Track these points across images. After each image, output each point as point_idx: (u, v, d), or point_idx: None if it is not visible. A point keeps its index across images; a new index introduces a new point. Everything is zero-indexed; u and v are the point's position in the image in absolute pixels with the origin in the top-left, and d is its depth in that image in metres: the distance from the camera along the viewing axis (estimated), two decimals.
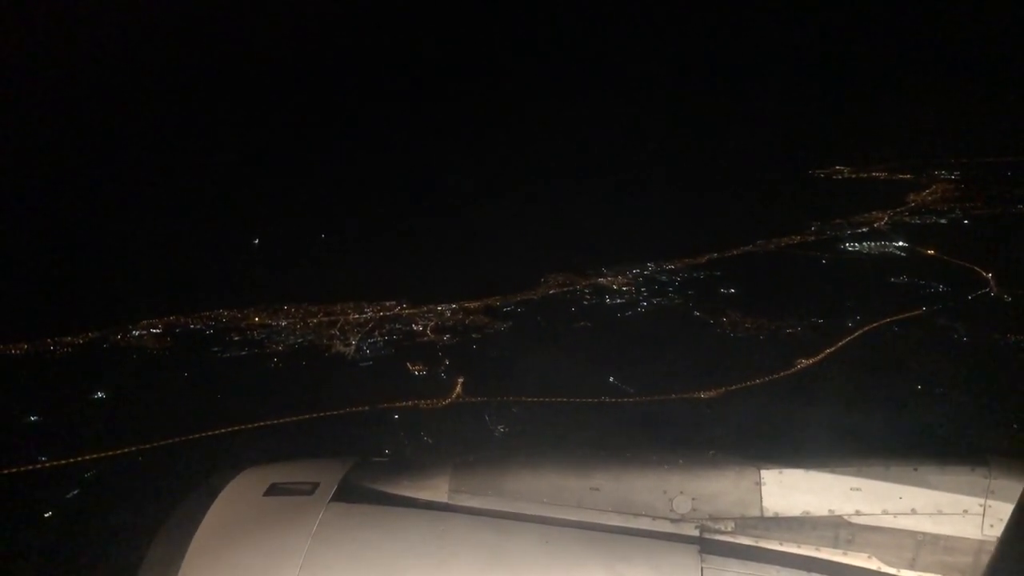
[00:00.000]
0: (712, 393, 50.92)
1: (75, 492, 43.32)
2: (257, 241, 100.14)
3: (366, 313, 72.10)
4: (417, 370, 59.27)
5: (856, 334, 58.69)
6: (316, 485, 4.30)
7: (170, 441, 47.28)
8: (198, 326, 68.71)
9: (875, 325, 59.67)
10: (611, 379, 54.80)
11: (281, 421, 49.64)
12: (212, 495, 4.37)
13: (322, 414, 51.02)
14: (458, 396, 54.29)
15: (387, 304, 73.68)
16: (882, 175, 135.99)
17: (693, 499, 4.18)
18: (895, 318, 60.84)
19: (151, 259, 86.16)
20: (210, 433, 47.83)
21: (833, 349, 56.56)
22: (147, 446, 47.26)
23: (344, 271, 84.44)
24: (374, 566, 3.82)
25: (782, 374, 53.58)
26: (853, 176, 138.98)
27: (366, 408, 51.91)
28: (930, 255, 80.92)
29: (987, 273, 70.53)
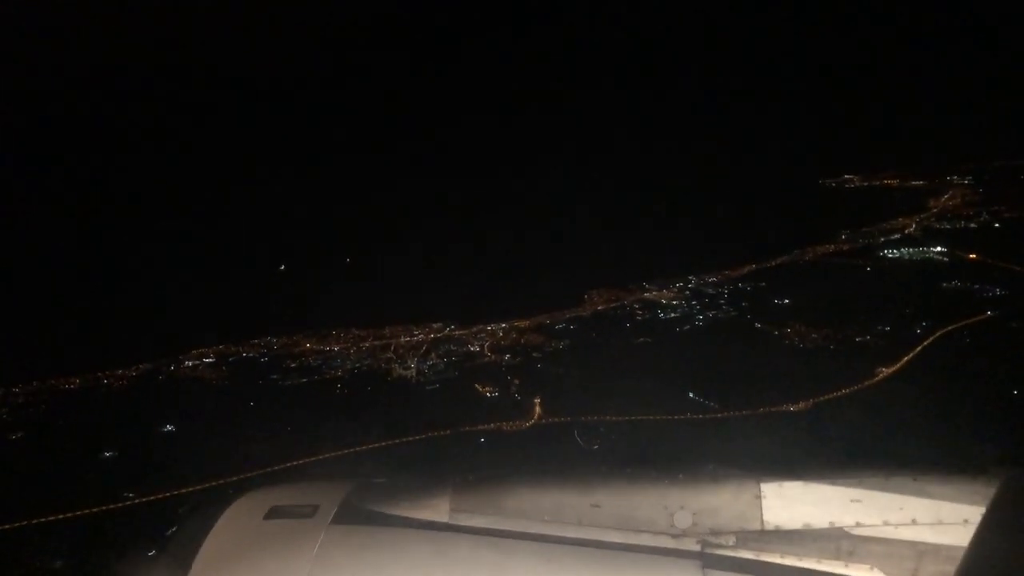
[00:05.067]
0: (801, 406, 50.31)
1: (175, 529, 41.86)
2: (283, 267, 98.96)
3: (416, 336, 71.09)
4: (488, 391, 58.34)
5: (928, 341, 58.26)
6: (316, 507, 4.33)
7: (260, 472, 45.84)
8: (251, 354, 67.51)
9: (946, 331, 59.28)
10: (690, 395, 54.06)
11: (366, 447, 48.57)
12: (211, 520, 4.39)
13: (405, 439, 49.99)
14: (539, 417, 53.37)
15: (435, 326, 72.69)
16: (894, 182, 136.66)
17: (694, 514, 4.20)
18: (965, 323, 60.48)
19: (185, 287, 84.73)
20: (296, 463, 46.55)
21: (911, 356, 56.14)
22: (235, 478, 45.87)
23: (380, 293, 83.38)
24: None
25: (867, 383, 53.07)
26: (865, 184, 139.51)
27: (447, 432, 50.92)
28: (973, 259, 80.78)
29: None
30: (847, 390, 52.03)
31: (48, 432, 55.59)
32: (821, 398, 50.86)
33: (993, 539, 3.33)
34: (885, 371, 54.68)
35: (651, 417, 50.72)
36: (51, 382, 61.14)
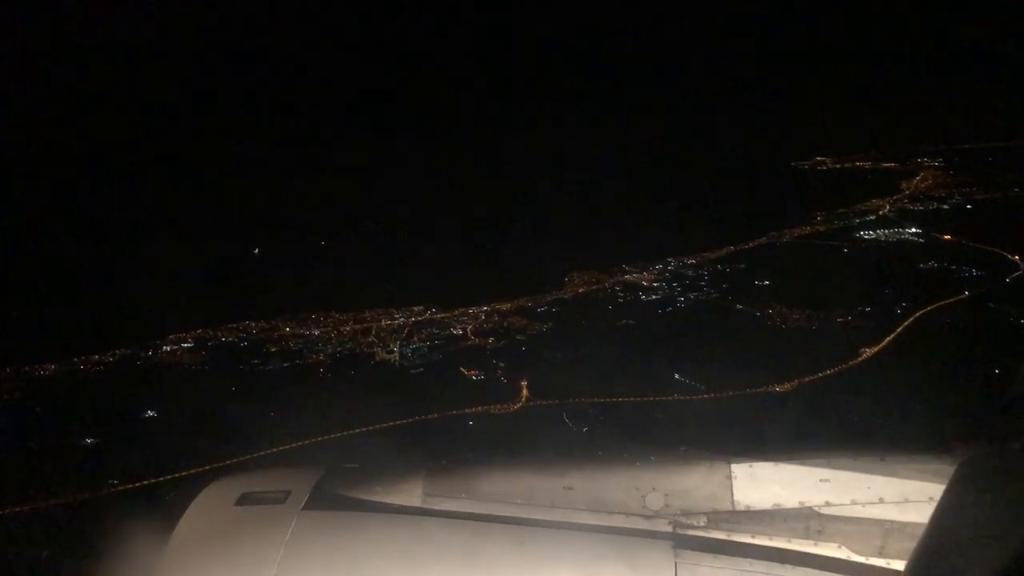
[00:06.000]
0: (787, 386, 50.69)
1: (145, 517, 41.03)
2: (257, 251, 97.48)
3: (397, 319, 70.43)
4: (474, 375, 58.08)
5: (909, 320, 59.03)
6: (288, 493, 4.32)
7: (242, 458, 45.09)
8: (229, 339, 66.44)
9: (926, 311, 60.11)
10: (676, 376, 54.23)
11: (352, 432, 48.06)
12: (182, 506, 4.35)
13: (391, 424, 49.56)
14: (527, 400, 53.23)
15: (415, 309, 72.06)
16: (866, 164, 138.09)
17: (665, 495, 4.26)
18: (943, 303, 61.39)
19: (161, 271, 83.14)
20: (284, 447, 45.93)
21: (894, 336, 56.84)
22: (217, 465, 45.03)
23: (357, 277, 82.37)
24: (350, 572, 3.88)
25: (851, 363, 53.63)
26: (837, 166, 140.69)
27: (435, 416, 50.60)
28: (948, 240, 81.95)
29: (1014, 256, 71.62)
30: (831, 370, 52.57)
31: (21, 420, 54.32)
32: (806, 379, 51.34)
33: (948, 519, 3.32)
34: (868, 351, 55.31)
35: (640, 399, 50.86)
36: (24, 368, 59.67)
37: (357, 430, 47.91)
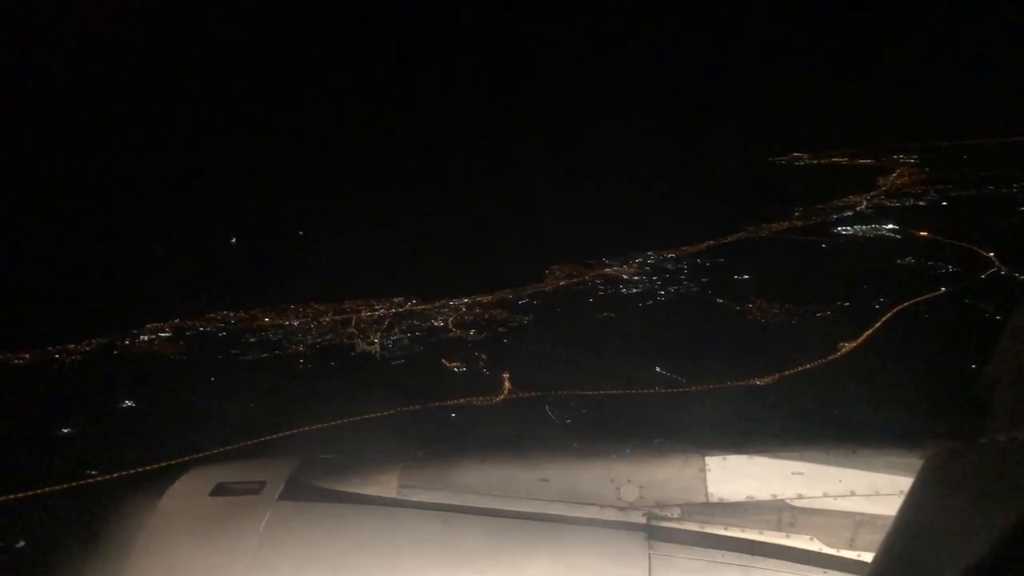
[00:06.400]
0: (767, 380, 50.96)
1: (120, 507, 40.48)
2: (234, 240, 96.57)
3: (377, 310, 70.13)
4: (455, 367, 57.80)
5: (887, 316, 59.60)
6: (263, 484, 4.33)
7: (219, 449, 44.73)
8: (208, 328, 65.73)
9: (904, 306, 60.72)
10: (658, 369, 54.38)
11: (333, 424, 47.72)
12: (156, 496, 4.35)
13: (371, 415, 49.19)
14: (509, 392, 53.02)
15: (396, 300, 71.85)
16: (843, 160, 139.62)
17: (640, 487, 4.31)
18: (920, 299, 62.06)
19: (133, 262, 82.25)
20: (262, 439, 45.62)
21: (872, 331, 57.34)
22: (195, 456, 44.61)
23: (335, 267, 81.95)
24: (324, 563, 3.89)
25: (830, 358, 54.02)
26: (815, 162, 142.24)
27: (418, 407, 50.33)
28: (924, 236, 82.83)
29: (988, 253, 72.50)
30: (811, 364, 52.90)
31: None
32: (786, 372, 51.63)
33: (916, 513, 3.28)
34: (847, 346, 55.73)
35: (622, 391, 50.88)
36: None
37: (337, 422, 47.55)
